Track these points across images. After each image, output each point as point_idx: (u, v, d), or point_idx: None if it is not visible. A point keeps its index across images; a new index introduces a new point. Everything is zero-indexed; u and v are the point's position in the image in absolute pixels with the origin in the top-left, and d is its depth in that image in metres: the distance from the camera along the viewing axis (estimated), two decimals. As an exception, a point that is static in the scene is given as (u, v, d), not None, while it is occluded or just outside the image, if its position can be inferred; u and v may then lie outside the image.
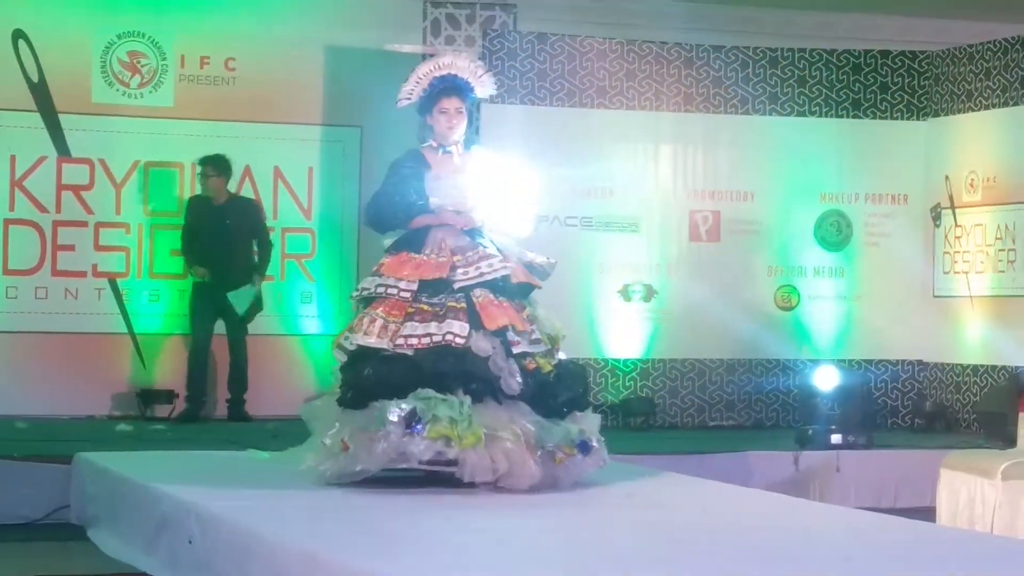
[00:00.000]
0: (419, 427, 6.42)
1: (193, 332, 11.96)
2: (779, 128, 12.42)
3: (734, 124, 12.43)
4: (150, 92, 12.56)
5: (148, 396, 12.16)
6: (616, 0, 12.75)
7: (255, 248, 12.08)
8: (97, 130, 12.42)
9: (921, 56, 12.71)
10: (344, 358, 6.91)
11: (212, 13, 12.54)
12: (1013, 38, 11.85)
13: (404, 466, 6.53)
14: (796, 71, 12.50)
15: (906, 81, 12.67)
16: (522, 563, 5.45)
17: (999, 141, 12.01)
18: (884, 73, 12.65)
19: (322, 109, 12.91)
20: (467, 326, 6.69)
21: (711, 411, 12.30)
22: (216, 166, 11.88)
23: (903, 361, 12.57)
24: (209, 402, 12.01)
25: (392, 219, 7.09)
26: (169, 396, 12.12)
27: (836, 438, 10.71)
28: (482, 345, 6.67)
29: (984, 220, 12.12)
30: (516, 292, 6.92)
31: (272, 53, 12.63)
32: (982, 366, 12.10)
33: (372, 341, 6.70)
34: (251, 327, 12.11)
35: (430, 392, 6.52)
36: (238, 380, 11.96)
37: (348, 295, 12.60)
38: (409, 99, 7.21)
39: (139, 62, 12.53)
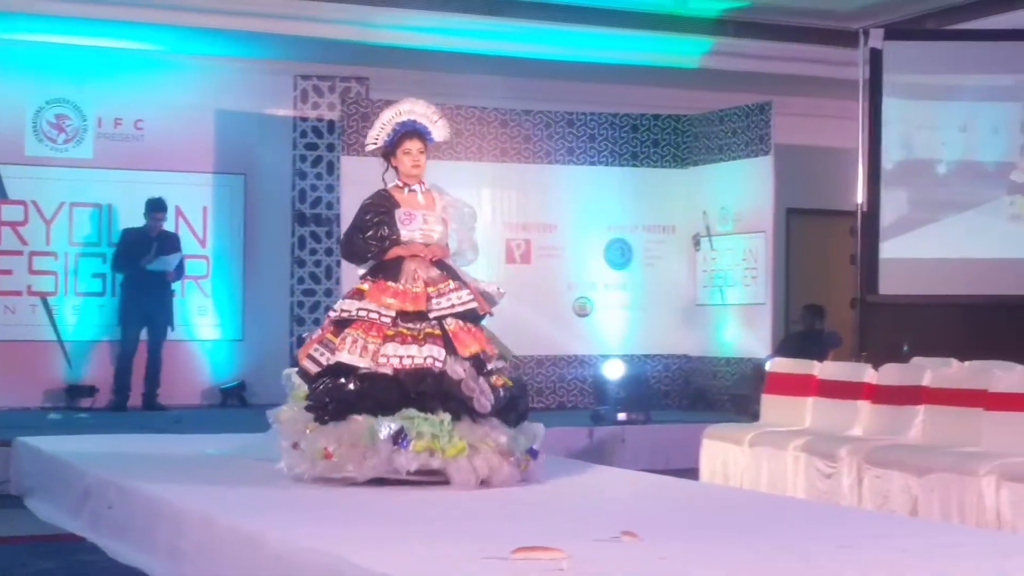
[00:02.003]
0: (405, 442, 5.92)
1: (123, 337, 11.76)
2: (575, 174, 12.52)
3: (540, 171, 12.51)
4: (73, 147, 12.35)
5: (73, 391, 11.99)
6: (447, 75, 12.78)
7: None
8: (30, 178, 12.17)
9: (684, 119, 12.90)
10: (315, 369, 6.24)
11: (124, 83, 12.39)
12: (751, 105, 12.09)
13: (394, 477, 5.97)
14: (588, 130, 12.62)
15: (672, 138, 12.85)
16: (375, 521, 5.44)
17: (743, 184, 12.22)
18: (655, 132, 12.82)
19: (214, 160, 12.77)
20: (444, 351, 6.13)
21: (524, 396, 12.32)
22: (164, 209, 11.89)
23: (673, 355, 12.73)
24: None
25: (367, 253, 6.46)
26: (91, 391, 11.98)
27: (622, 416, 10.82)
28: (456, 369, 6.12)
29: (733, 246, 12.31)
30: (476, 317, 6.40)
31: (173, 115, 12.49)
32: (733, 358, 12.29)
33: (354, 360, 6.09)
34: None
35: (413, 411, 6.00)
36: (153, 377, 11.76)
37: (240, 307, 12.64)
38: (376, 143, 6.53)
39: (64, 123, 12.32)
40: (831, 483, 7.40)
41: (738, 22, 12.68)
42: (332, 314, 6.35)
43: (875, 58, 11.06)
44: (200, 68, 12.50)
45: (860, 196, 11.10)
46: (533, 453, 6.25)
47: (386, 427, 5.93)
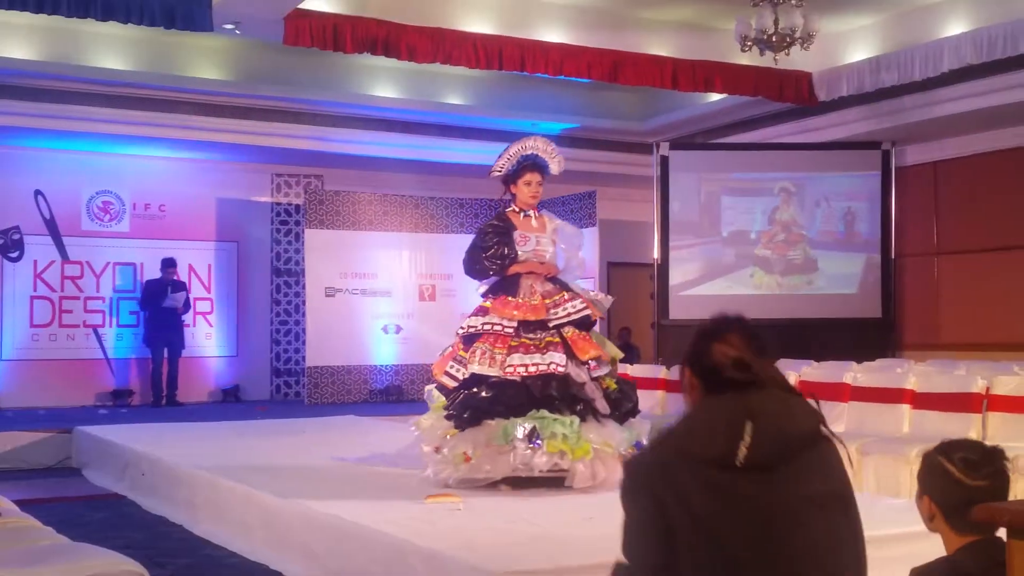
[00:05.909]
0: (539, 442, 4.74)
1: (152, 356, 11.55)
2: (465, 240, 12.25)
3: (441, 239, 12.36)
4: (116, 224, 12.09)
5: (117, 393, 11.69)
6: (378, 172, 12.79)
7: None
8: (85, 245, 11.87)
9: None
10: (453, 384, 5.08)
11: (151, 179, 12.15)
12: (582, 193, 12.18)
13: (526, 475, 4.79)
14: (473, 210, 12.55)
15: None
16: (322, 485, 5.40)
17: (579, 246, 12.36)
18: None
19: (215, 232, 12.58)
20: (565, 357, 4.98)
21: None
22: (174, 264, 11.67)
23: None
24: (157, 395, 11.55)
25: (489, 270, 5.33)
26: (129, 393, 11.73)
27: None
28: (579, 372, 5.00)
29: (572, 287, 12.40)
30: (589, 324, 5.21)
31: (186, 201, 12.30)
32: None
33: (484, 370, 4.95)
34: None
35: (544, 412, 4.83)
36: (172, 382, 11.53)
37: (235, 333, 12.49)
38: (500, 172, 5.37)
39: (109, 207, 12.06)
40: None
41: (572, 136, 12.88)
42: (460, 331, 5.24)
43: (664, 162, 11.34)
44: (206, 168, 12.35)
45: (656, 253, 11.33)
46: (639, 447, 5.06)
47: (521, 427, 4.79)
